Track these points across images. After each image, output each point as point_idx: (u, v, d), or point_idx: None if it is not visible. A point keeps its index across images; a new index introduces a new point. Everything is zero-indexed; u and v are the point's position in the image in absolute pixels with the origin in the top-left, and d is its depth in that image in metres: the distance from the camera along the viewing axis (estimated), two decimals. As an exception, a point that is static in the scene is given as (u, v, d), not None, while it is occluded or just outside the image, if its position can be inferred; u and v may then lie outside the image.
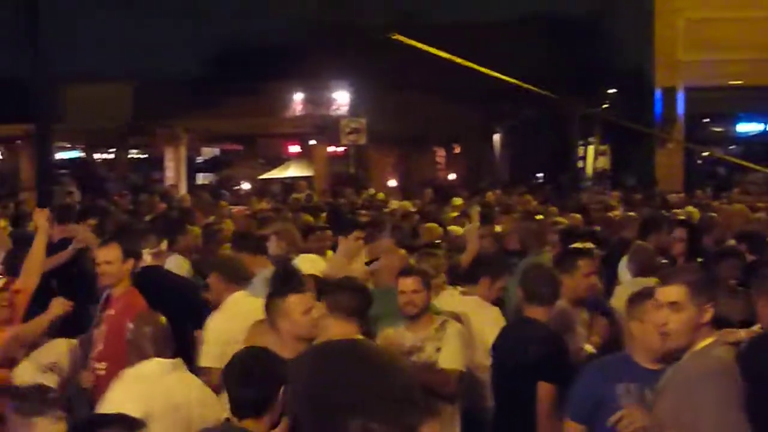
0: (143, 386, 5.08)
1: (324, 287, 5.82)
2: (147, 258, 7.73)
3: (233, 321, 6.43)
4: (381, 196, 23.10)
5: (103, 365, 6.34)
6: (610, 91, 51.84)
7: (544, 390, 5.91)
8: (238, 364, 4.37)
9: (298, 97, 37.22)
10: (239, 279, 6.92)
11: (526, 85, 28.92)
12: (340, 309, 5.26)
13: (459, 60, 24.16)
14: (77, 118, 32.28)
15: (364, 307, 5.37)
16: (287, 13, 46.57)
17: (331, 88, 36.44)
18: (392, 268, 7.33)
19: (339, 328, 5.21)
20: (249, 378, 4.24)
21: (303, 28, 51.18)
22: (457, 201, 19.78)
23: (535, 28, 51.86)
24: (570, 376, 5.48)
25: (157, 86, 35.63)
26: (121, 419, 3.69)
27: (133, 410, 4.26)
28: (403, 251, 8.24)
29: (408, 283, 6.32)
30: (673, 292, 4.39)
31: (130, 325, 5.44)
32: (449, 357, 6.19)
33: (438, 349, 6.20)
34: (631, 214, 13.06)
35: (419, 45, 21.89)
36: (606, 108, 50.01)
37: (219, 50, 52.38)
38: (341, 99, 35.92)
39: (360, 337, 5.25)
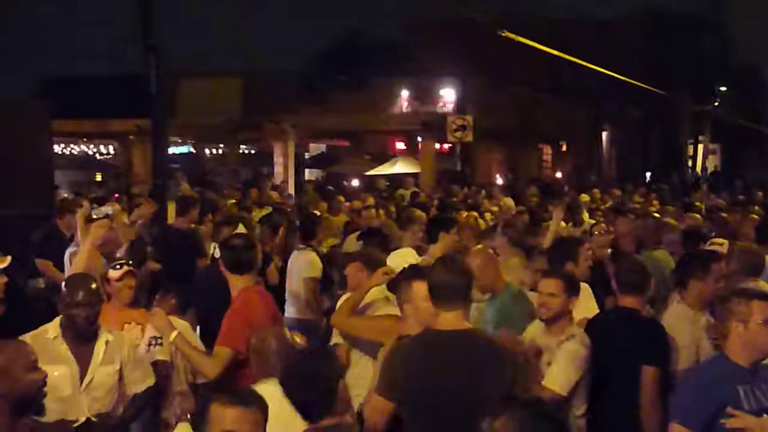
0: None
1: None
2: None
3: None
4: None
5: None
6: (722, 88, 50.79)
7: (649, 374, 5.96)
8: (295, 371, 4.42)
9: (405, 93, 37.21)
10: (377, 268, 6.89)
11: (635, 82, 28.60)
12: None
13: (567, 56, 23.99)
14: (187, 112, 32.77)
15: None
16: (394, 9, 46.73)
17: (437, 85, 36.35)
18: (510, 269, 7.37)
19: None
20: (309, 383, 4.32)
21: (410, 24, 51.32)
22: (585, 197, 19.59)
23: (644, 24, 51.13)
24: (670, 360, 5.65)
25: (266, 81, 35.90)
26: None
27: None
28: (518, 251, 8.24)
29: (547, 285, 6.21)
30: None
31: (253, 340, 5.44)
32: (551, 376, 5.99)
33: (548, 363, 6.05)
34: (754, 216, 12.68)
35: (528, 41, 21.76)
36: (717, 106, 49.03)
37: (327, 46, 52.88)
38: (448, 96, 35.76)
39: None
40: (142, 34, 13.71)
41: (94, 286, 5.92)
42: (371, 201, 17.31)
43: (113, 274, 7.16)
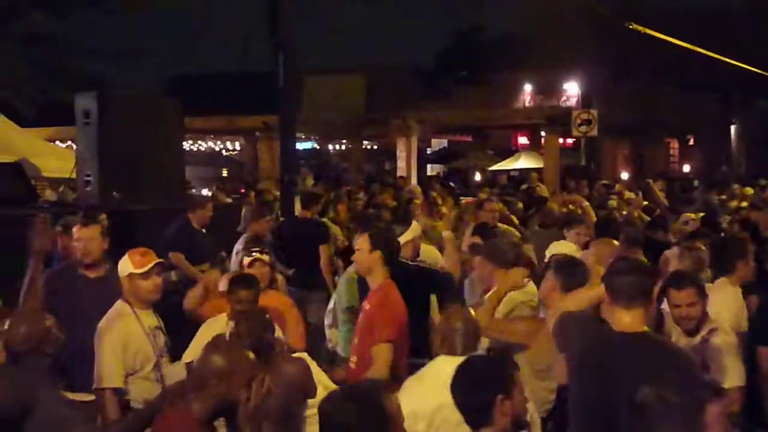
0: None
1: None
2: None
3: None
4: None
5: (354, 359, 6.47)
6: None
7: (764, 354, 6.26)
8: (459, 373, 4.37)
9: (528, 87, 37.00)
10: (506, 263, 6.89)
11: (764, 72, 27.76)
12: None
13: (694, 47, 23.48)
14: (312, 109, 33.19)
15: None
16: (517, 2, 46.35)
17: (561, 79, 36.04)
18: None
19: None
20: (467, 387, 4.28)
21: (533, 17, 50.85)
22: (748, 191, 19.15)
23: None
24: None
25: (389, 78, 36.09)
26: None
27: None
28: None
29: (686, 296, 6.05)
30: None
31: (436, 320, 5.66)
32: (728, 374, 5.86)
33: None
34: None
35: (655, 33, 21.39)
36: None
37: (449, 41, 52.73)
38: (572, 89, 35.47)
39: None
40: (270, 32, 13.91)
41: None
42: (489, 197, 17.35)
43: (246, 260, 7.49)
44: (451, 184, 29.95)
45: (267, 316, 5.84)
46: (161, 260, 6.60)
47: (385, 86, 34.58)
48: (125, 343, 6.21)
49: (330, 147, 43.12)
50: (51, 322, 5.12)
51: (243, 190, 22.83)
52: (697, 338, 5.94)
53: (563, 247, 7.56)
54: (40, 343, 4.97)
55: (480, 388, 4.22)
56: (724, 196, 19.04)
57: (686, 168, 41.44)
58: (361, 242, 6.63)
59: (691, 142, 44.94)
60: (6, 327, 4.99)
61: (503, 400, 4.15)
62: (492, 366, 4.39)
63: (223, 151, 45.09)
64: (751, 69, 26.03)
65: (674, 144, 44.35)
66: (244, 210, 14.40)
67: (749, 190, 19.27)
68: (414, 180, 30.14)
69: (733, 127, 46.35)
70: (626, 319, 4.79)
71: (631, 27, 19.94)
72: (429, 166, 41.61)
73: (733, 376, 5.84)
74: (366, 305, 6.53)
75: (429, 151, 42.20)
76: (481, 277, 7.14)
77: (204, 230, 10.93)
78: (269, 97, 14.38)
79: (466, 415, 4.23)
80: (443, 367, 4.83)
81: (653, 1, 49.42)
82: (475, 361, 4.51)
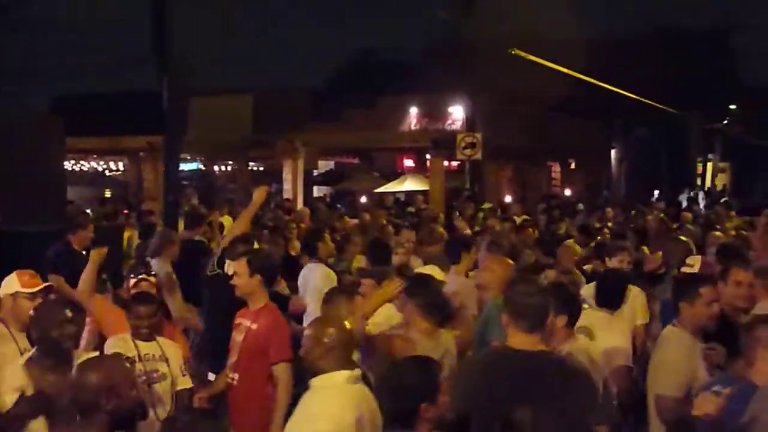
0: (348, 393, 4.86)
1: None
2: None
3: (381, 327, 6.60)
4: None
5: (235, 376, 6.47)
6: (732, 107, 50.78)
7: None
8: (386, 376, 4.45)
9: (414, 111, 37.30)
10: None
11: (645, 100, 28.67)
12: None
13: (576, 74, 24.08)
14: (198, 129, 32.84)
15: None
16: (405, 27, 46.87)
17: (447, 102, 36.42)
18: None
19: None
20: (394, 393, 4.34)
21: (421, 41, 51.44)
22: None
23: (655, 43, 51.13)
24: None
25: (277, 99, 36.01)
26: None
27: (350, 417, 4.50)
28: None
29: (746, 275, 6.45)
30: None
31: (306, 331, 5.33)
32: None
33: None
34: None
35: (537, 60, 21.87)
36: (727, 124, 49.03)
37: (337, 63, 53.03)
38: (457, 113, 35.83)
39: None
40: (155, 52, 13.82)
41: None
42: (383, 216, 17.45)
43: (131, 281, 7.61)
44: (338, 205, 30.07)
45: (62, 313, 5.71)
46: (50, 284, 6.53)
47: (273, 108, 34.47)
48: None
49: (216, 168, 42.79)
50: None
51: (126, 211, 22.51)
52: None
53: (428, 270, 7.67)
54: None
55: (406, 394, 4.28)
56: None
57: (568, 192, 42.28)
58: (240, 267, 6.64)
59: (573, 166, 45.89)
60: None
61: (428, 408, 4.20)
62: (419, 372, 4.44)
63: (107, 172, 44.42)
64: (630, 96, 26.81)
65: (556, 168, 45.22)
66: (128, 232, 14.23)
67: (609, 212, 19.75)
68: (300, 202, 30.13)
69: (613, 152, 47.55)
70: (524, 339, 4.97)
71: (513, 53, 20.35)
72: (316, 188, 41.58)
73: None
74: (252, 325, 6.54)
75: (316, 173, 42.17)
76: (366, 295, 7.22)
77: (84, 252, 10.75)
78: (154, 118, 14.28)
79: (389, 420, 4.28)
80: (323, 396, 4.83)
81: (539, 28, 50.50)
82: (402, 366, 4.55)
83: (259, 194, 9.01)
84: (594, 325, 7.05)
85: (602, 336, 7.03)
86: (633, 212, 22.26)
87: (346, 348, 4.99)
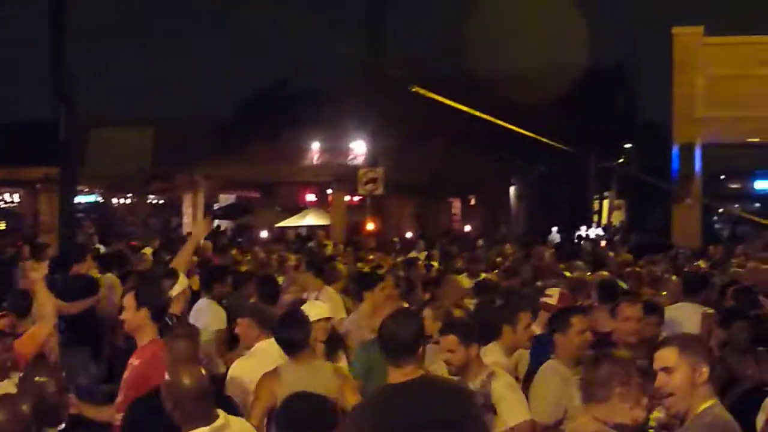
0: None
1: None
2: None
3: (261, 367, 6.49)
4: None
5: (119, 416, 6.21)
6: (627, 145, 51.95)
7: None
8: (287, 409, 4.40)
9: (317, 145, 37.37)
10: (271, 326, 6.93)
11: (542, 139, 29.19)
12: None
13: (476, 112, 24.43)
14: (97, 161, 32.37)
15: None
16: (310, 62, 47.03)
17: (349, 138, 36.58)
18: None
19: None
20: (296, 424, 4.30)
21: (325, 77, 51.64)
22: (627, 256, 19.26)
23: (553, 82, 52.08)
24: None
25: (178, 130, 35.70)
26: None
27: None
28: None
29: (446, 342, 6.20)
30: (665, 355, 4.56)
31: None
32: (508, 410, 6.04)
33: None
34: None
35: (438, 97, 22.13)
36: (622, 162, 50.09)
37: (241, 96, 52.83)
38: (359, 148, 36.03)
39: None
40: (53, 83, 13.63)
41: None
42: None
43: None
44: (239, 240, 29.89)
45: None
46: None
47: (174, 139, 34.19)
48: None
49: (115, 200, 42.22)
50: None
51: (20, 244, 22.04)
52: (477, 382, 6.12)
53: (313, 308, 7.65)
54: None
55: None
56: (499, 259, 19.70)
57: (467, 227, 42.71)
58: (128, 301, 6.53)
59: (473, 202, 46.40)
60: None
61: None
62: (312, 408, 4.42)
63: (1, 203, 43.51)
64: (528, 134, 27.27)
65: (457, 204, 45.67)
66: (21, 264, 13.93)
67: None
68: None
69: (512, 189, 48.23)
70: (399, 372, 5.06)
71: (414, 90, 20.56)
72: (216, 221, 41.24)
73: (521, 411, 6.04)
74: (134, 361, 6.40)
75: (216, 206, 41.87)
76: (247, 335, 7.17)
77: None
78: (51, 148, 14.04)
79: None
80: None
81: (442, 66, 51.08)
82: (295, 402, 4.52)
83: (199, 229, 8.71)
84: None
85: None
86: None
87: (197, 401, 4.73)
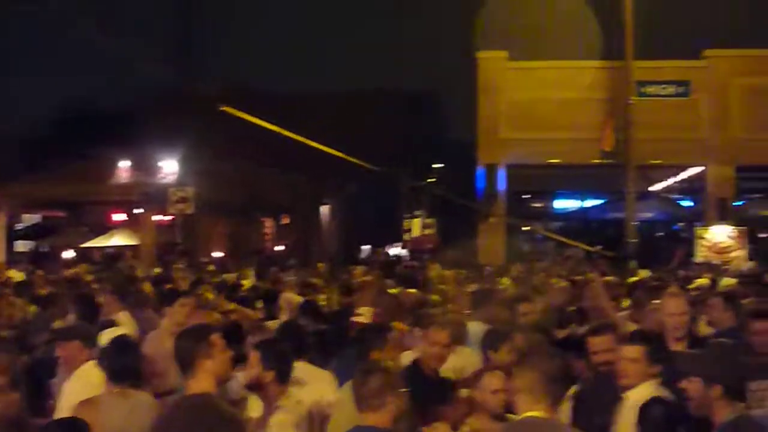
0: None
1: None
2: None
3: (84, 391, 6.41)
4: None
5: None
6: (437, 165, 53.14)
7: None
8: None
9: (126, 164, 36.67)
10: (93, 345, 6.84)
11: (351, 159, 29.52)
12: None
13: (286, 132, 24.48)
14: None
15: None
16: (118, 79, 46.26)
17: (160, 156, 36.07)
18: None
19: None
20: None
21: (134, 95, 50.79)
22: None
23: (367, 102, 52.80)
24: None
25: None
26: None
27: None
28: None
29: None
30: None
31: None
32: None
33: None
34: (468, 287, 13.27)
35: (247, 117, 22.09)
36: (433, 182, 51.18)
37: (48, 113, 51.43)
38: (170, 167, 35.57)
39: None
40: None
41: None
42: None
43: None
44: (42, 261, 29.05)
45: None
46: None
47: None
48: None
49: None
50: None
51: None
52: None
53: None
54: None
55: None
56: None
57: (280, 247, 42.71)
58: None
59: (285, 222, 46.43)
60: None
61: None
62: None
63: None
64: (338, 154, 27.50)
65: (269, 223, 45.61)
66: None
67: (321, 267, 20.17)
68: (2, 258, 28.88)
69: (325, 208, 48.52)
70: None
71: (223, 109, 20.51)
72: (19, 242, 39.96)
73: None
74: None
75: (20, 226, 40.55)
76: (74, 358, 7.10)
77: None
78: None
79: None
80: None
81: (254, 85, 51.04)
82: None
83: None
84: (307, 377, 7.18)
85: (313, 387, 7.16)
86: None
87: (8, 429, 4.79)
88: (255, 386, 6.25)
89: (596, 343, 7.02)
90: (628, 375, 6.20)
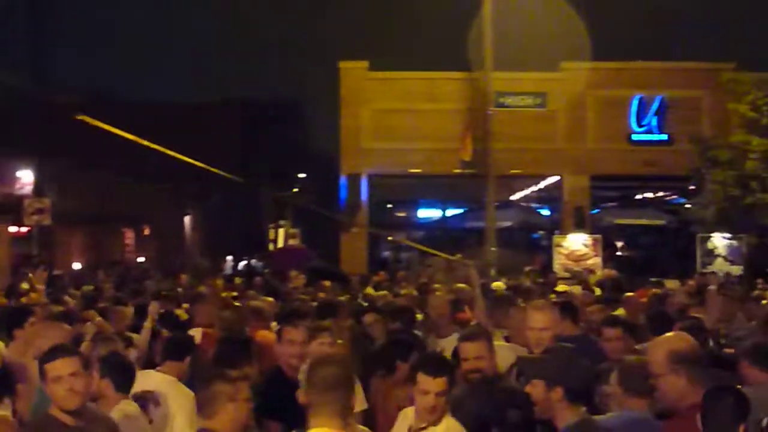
0: None
1: None
2: None
3: None
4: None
5: None
6: (301, 175, 53.18)
7: None
8: None
9: (-22, 173, 35.54)
10: None
11: (214, 170, 29.29)
12: None
13: (145, 142, 24.08)
14: None
15: None
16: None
17: (16, 166, 35.08)
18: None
19: None
20: None
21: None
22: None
23: (230, 112, 52.52)
24: None
25: None
26: None
27: None
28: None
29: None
30: None
31: None
32: None
33: None
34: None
35: (105, 126, 21.64)
36: (297, 192, 51.19)
37: None
38: (26, 177, 34.62)
39: None
40: None
41: None
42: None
43: None
44: None
45: None
46: None
47: None
48: None
49: None
50: None
51: None
52: None
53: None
54: None
55: None
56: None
57: (141, 258, 42.06)
58: None
59: (147, 232, 45.75)
60: None
61: None
62: None
63: None
64: (197, 164, 27.25)
65: (130, 233, 44.84)
66: None
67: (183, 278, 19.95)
68: None
69: (187, 218, 48.02)
70: None
71: (79, 118, 20.08)
72: None
73: None
74: None
75: None
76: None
77: None
78: None
79: None
80: None
81: (114, 94, 50.22)
82: None
83: None
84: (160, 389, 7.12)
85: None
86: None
87: None
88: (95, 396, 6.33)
89: (468, 349, 6.92)
90: None
